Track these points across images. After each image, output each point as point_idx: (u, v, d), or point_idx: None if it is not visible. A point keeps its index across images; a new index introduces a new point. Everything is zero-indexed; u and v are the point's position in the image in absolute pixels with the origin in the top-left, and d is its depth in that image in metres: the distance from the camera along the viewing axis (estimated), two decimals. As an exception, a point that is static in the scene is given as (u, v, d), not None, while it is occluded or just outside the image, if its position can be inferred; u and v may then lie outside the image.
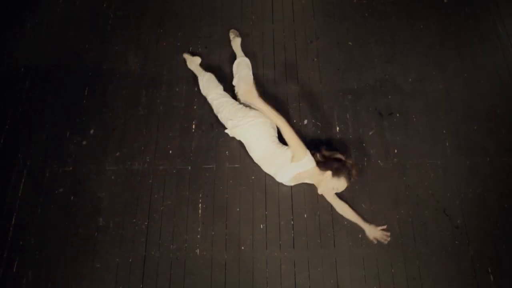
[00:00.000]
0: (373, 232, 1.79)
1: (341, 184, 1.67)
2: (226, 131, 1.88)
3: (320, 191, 1.71)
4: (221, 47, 2.24)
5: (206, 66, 2.17)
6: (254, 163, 1.92)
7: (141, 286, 1.77)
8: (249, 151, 1.85)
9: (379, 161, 1.97)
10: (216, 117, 1.95)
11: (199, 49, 2.23)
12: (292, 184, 1.82)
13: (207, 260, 1.81)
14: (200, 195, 1.91)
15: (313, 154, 1.72)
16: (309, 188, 1.90)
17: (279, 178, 1.76)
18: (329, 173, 1.66)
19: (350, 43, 2.25)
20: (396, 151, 2.00)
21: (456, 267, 1.79)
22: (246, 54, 2.20)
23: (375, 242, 1.80)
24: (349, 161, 1.71)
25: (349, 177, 1.68)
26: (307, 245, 1.83)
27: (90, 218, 1.87)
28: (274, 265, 1.80)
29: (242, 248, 1.83)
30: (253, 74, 2.12)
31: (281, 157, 1.70)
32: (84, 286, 1.76)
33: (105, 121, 2.07)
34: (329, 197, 1.83)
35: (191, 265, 1.80)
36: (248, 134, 1.78)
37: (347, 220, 1.86)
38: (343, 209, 1.82)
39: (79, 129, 2.05)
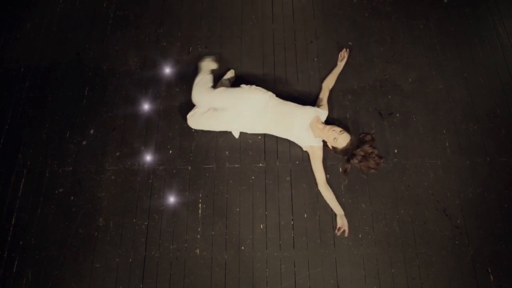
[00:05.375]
0: (342, 223, 1.79)
1: (343, 138, 1.71)
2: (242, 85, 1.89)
3: (324, 137, 1.78)
4: (221, 47, 2.24)
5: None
6: (254, 163, 1.92)
7: (141, 286, 1.77)
8: (258, 116, 1.83)
9: (379, 161, 1.97)
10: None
11: (199, 49, 2.23)
12: (307, 139, 1.81)
13: (207, 260, 1.81)
14: (200, 195, 1.91)
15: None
16: (309, 188, 1.90)
17: (298, 122, 1.79)
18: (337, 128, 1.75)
19: (350, 43, 2.25)
20: (396, 151, 2.00)
21: (456, 267, 1.79)
22: (247, 54, 2.21)
23: (338, 233, 1.79)
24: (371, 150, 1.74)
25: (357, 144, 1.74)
26: (307, 245, 1.83)
27: (90, 218, 1.87)
28: (274, 265, 1.80)
29: (242, 248, 1.83)
30: (254, 74, 2.13)
31: (299, 109, 1.84)
32: (84, 286, 1.76)
33: (105, 121, 2.07)
34: (318, 162, 1.82)
35: (191, 265, 1.80)
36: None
37: (347, 220, 1.86)
38: (327, 190, 1.81)
39: (79, 129, 2.05)
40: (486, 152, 2.00)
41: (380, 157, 1.72)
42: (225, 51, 2.22)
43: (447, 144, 2.02)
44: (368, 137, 1.74)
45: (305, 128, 1.81)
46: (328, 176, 1.93)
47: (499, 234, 1.85)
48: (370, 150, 1.69)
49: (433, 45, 2.24)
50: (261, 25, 2.30)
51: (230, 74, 2.12)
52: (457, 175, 1.96)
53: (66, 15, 2.35)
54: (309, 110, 1.83)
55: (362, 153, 1.69)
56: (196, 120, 1.89)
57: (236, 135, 1.91)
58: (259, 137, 2.02)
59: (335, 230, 1.82)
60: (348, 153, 1.73)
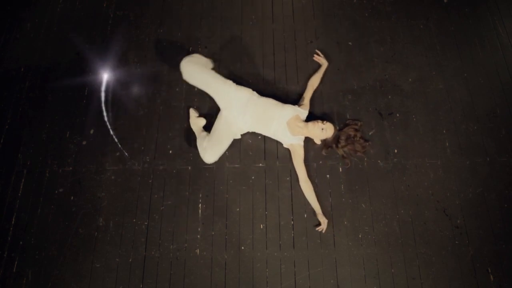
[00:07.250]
0: (322, 221, 1.80)
1: (329, 127, 1.81)
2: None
3: (309, 134, 1.82)
4: (221, 47, 2.24)
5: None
6: (254, 163, 1.92)
7: (141, 286, 1.77)
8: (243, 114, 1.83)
9: (379, 161, 1.97)
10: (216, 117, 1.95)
11: (199, 49, 2.23)
12: (286, 138, 1.83)
13: (207, 260, 1.81)
14: (200, 195, 1.91)
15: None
16: (309, 188, 1.90)
17: (276, 120, 1.81)
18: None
19: (350, 43, 2.25)
20: (396, 151, 2.00)
21: (456, 267, 1.80)
22: (247, 54, 2.20)
23: (318, 230, 1.82)
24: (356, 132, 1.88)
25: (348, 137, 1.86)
26: (307, 245, 1.83)
27: (90, 218, 1.87)
28: (274, 265, 1.80)
29: (242, 248, 1.83)
30: (254, 74, 2.13)
31: (279, 106, 1.86)
32: (84, 286, 1.77)
33: (105, 121, 2.07)
34: (299, 160, 1.84)
35: (191, 265, 1.80)
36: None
37: (347, 220, 1.86)
38: (307, 187, 1.83)
39: (79, 129, 2.05)
40: (486, 152, 2.00)
41: (366, 140, 1.89)
42: (225, 51, 2.22)
43: (447, 144, 2.02)
44: (349, 121, 1.93)
45: (282, 126, 1.83)
46: (328, 176, 1.94)
47: (499, 234, 1.85)
48: (352, 132, 1.85)
49: (433, 45, 2.24)
50: (261, 25, 2.30)
51: (192, 112, 2.01)
52: (457, 175, 1.96)
53: (66, 15, 2.35)
54: (287, 110, 1.84)
55: (344, 136, 1.85)
56: (214, 154, 1.81)
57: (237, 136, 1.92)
58: (259, 137, 2.02)
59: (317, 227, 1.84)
60: (335, 141, 1.85)
